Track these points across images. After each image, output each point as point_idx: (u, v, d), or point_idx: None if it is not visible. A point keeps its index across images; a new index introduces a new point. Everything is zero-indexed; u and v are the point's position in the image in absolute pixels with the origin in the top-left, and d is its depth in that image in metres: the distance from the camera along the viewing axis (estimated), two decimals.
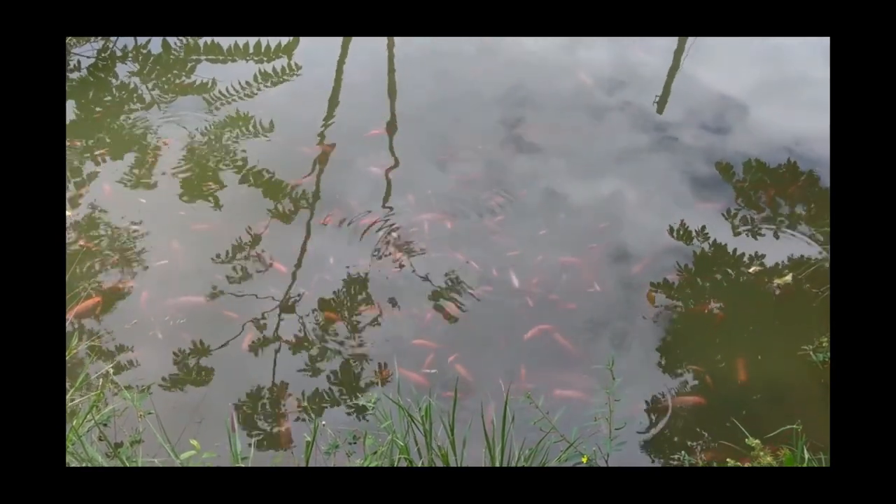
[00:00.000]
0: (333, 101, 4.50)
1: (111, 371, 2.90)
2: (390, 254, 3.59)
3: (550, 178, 4.02)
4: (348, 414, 2.95)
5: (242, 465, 2.35)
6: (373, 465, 2.36)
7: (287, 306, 3.33)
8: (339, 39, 5.00)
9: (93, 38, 4.77)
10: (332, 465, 2.54)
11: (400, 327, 3.27)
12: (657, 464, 2.88)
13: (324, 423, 2.64)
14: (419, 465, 2.43)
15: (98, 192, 3.78)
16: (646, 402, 3.07)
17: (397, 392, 2.67)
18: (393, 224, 3.72)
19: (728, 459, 2.65)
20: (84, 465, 2.25)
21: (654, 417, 3.02)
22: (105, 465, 2.31)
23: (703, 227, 3.78)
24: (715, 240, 3.74)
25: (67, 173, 3.85)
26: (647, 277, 3.53)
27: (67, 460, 2.20)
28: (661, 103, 4.60)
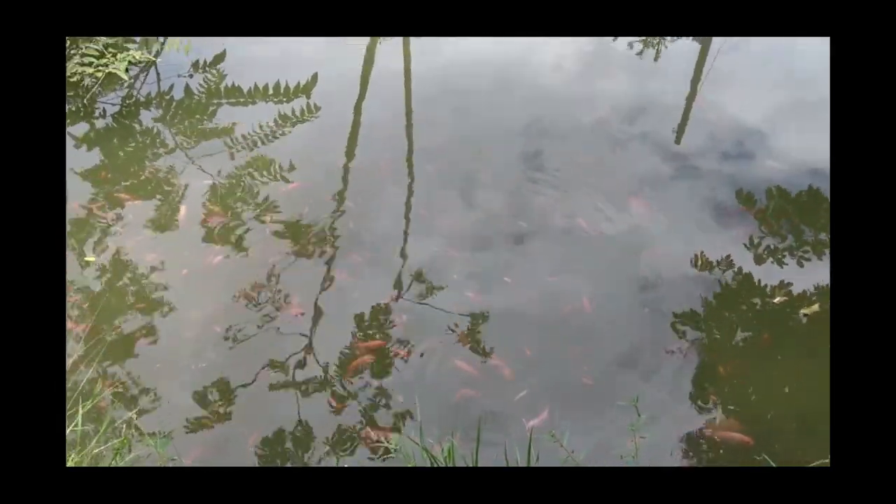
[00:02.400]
0: (353, 140, 4.56)
1: (135, 416, 2.92)
2: (412, 291, 3.59)
3: (571, 209, 4.02)
4: (371, 458, 2.94)
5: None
6: None
7: (309, 346, 3.34)
8: (358, 78, 5.09)
9: (118, 87, 4.90)
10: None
11: (422, 366, 3.26)
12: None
13: (346, 466, 2.62)
14: None
15: (121, 236, 3.84)
16: (678, 438, 3.01)
17: (419, 433, 2.65)
18: (415, 260, 3.74)
19: None
20: None
21: (683, 454, 2.96)
22: None
23: (728, 256, 3.74)
24: (740, 268, 3.70)
25: (91, 220, 3.92)
26: (670, 308, 3.49)
27: None
28: (680, 132, 4.60)
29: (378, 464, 2.86)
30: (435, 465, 2.42)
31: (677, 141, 4.54)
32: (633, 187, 4.16)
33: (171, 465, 2.56)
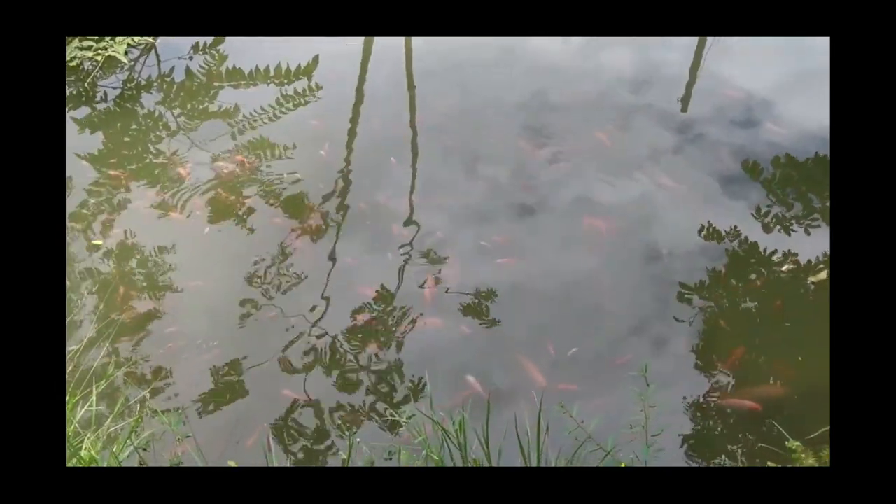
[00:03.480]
0: (355, 117, 4.57)
1: (148, 396, 2.96)
2: (421, 265, 3.62)
3: (578, 180, 4.03)
4: (382, 430, 2.98)
5: (236, 465, 2.36)
6: None
7: (319, 323, 3.37)
8: (359, 57, 5.08)
9: (118, 70, 4.90)
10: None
11: (432, 340, 3.30)
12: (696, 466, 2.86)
13: (359, 440, 2.66)
14: None
15: (127, 219, 3.87)
16: (685, 406, 3.04)
17: (430, 406, 2.69)
18: (422, 234, 3.76)
19: (769, 462, 2.62)
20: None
21: (693, 422, 3.00)
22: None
23: (735, 227, 3.75)
24: (746, 237, 3.71)
25: (97, 201, 3.95)
26: (678, 278, 3.51)
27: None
28: (685, 101, 4.59)
29: (388, 439, 2.90)
30: (447, 437, 2.46)
31: (683, 110, 4.53)
32: (640, 158, 4.17)
33: (185, 441, 2.60)
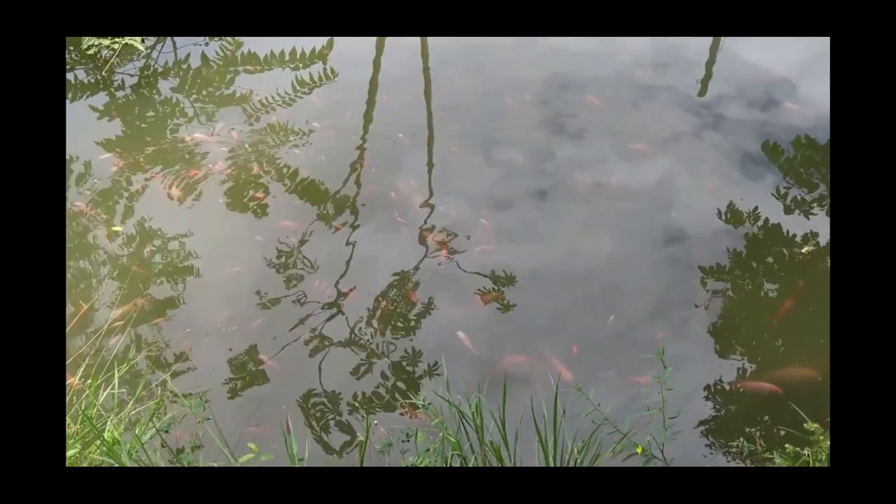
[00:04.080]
0: (371, 102, 4.58)
1: (169, 379, 3.01)
2: (438, 248, 3.64)
3: (597, 163, 4.01)
4: (401, 414, 3.01)
5: (247, 466, 2.39)
6: (426, 462, 2.40)
7: (336, 307, 3.41)
8: (373, 40, 5.08)
9: (134, 57, 4.94)
10: (385, 465, 2.60)
11: (449, 323, 3.32)
12: (714, 451, 2.86)
13: (376, 422, 2.69)
14: (472, 460, 2.46)
15: (145, 205, 3.92)
16: (706, 389, 3.04)
17: (446, 388, 2.72)
18: (440, 218, 3.77)
19: (787, 445, 2.62)
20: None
21: (711, 405, 3.00)
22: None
23: (756, 208, 3.73)
24: (767, 220, 3.69)
25: (116, 188, 4.00)
26: (697, 261, 3.50)
27: (130, 465, 2.30)
28: (704, 83, 4.55)
29: (406, 423, 2.93)
30: (464, 419, 2.49)
31: (701, 93, 4.49)
32: (658, 139, 4.15)
33: (205, 424, 2.65)
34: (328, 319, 3.36)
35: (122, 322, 3.27)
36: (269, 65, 4.87)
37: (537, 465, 2.50)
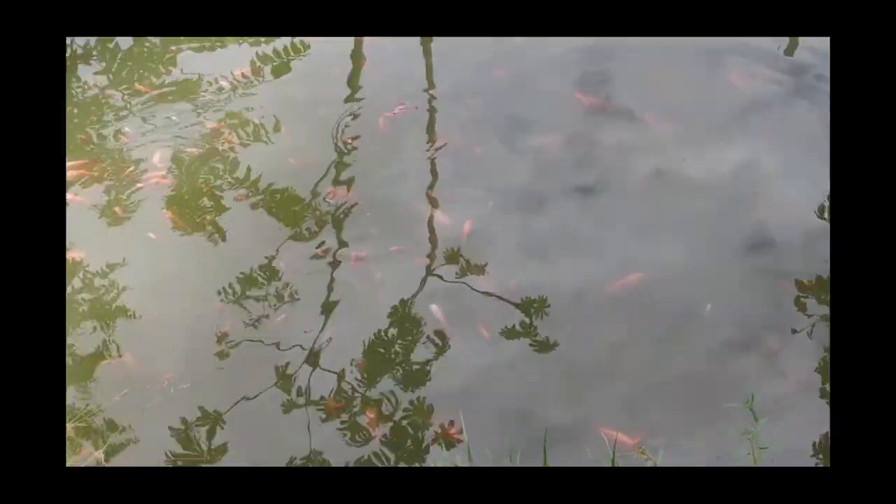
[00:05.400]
0: (355, 82, 4.60)
1: (102, 457, 3.01)
2: (450, 270, 3.64)
3: (652, 149, 4.03)
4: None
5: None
6: None
7: (318, 354, 3.40)
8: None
9: None
10: None
11: (469, 367, 3.30)
12: None
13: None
14: None
15: (68, 226, 3.93)
16: (812, 446, 3.02)
17: (467, 456, 2.70)
18: (449, 227, 3.78)
19: None
20: None
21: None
22: None
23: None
24: None
25: None
26: (793, 273, 3.50)
27: None
28: (793, 41, 4.55)
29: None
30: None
31: (789, 52, 4.49)
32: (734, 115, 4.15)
33: None
34: (307, 367, 3.35)
35: None
36: (221, 41, 4.89)
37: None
